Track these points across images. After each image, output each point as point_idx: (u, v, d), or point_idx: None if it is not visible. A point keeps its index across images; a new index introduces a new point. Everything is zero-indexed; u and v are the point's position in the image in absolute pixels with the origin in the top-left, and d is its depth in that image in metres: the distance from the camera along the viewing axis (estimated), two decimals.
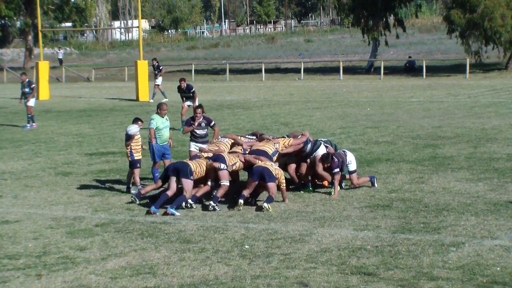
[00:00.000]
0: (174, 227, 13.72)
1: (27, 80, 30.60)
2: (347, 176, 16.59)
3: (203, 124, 17.62)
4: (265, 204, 14.77)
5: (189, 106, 27.89)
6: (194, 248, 12.33)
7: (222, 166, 15.27)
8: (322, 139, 17.32)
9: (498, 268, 10.77)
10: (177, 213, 14.58)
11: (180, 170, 15.08)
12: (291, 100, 39.02)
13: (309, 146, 16.53)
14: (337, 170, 16.01)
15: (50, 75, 50.75)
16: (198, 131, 17.64)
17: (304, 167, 16.68)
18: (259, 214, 14.54)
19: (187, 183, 15.02)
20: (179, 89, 27.86)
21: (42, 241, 13.10)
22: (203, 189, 15.53)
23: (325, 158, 16.19)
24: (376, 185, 16.56)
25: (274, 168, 15.38)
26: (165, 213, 14.66)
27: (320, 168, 16.24)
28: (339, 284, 10.33)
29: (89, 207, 15.64)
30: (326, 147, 16.69)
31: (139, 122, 16.95)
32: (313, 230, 13.20)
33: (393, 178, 17.57)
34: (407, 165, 19.10)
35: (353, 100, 37.95)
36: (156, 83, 40.49)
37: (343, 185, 16.76)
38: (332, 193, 15.98)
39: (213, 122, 17.77)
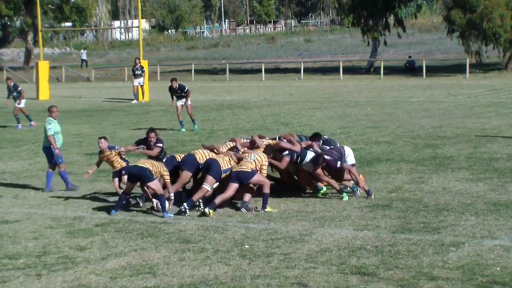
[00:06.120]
0: (174, 227, 13.72)
1: (13, 84, 30.91)
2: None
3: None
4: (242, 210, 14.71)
5: (182, 105, 28.04)
6: (194, 248, 12.33)
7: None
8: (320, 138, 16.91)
9: (498, 268, 10.77)
10: (172, 215, 14.52)
11: (141, 177, 14.69)
12: (291, 100, 39.02)
13: (295, 155, 15.87)
14: (339, 164, 15.48)
15: (51, 75, 50.73)
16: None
17: (300, 176, 16.22)
18: (259, 214, 14.54)
19: (154, 184, 14.67)
20: (171, 89, 28.04)
21: (42, 241, 13.10)
22: (200, 192, 15.02)
23: (314, 160, 15.49)
24: (373, 197, 15.57)
25: (251, 161, 14.98)
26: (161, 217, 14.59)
27: (323, 176, 15.59)
28: (339, 284, 10.33)
29: (89, 207, 15.64)
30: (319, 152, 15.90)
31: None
32: (313, 230, 13.20)
33: (393, 178, 17.56)
34: (407, 165, 19.10)
35: (353, 100, 37.95)
36: (141, 84, 40.85)
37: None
38: (348, 193, 15.60)
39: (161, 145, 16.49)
